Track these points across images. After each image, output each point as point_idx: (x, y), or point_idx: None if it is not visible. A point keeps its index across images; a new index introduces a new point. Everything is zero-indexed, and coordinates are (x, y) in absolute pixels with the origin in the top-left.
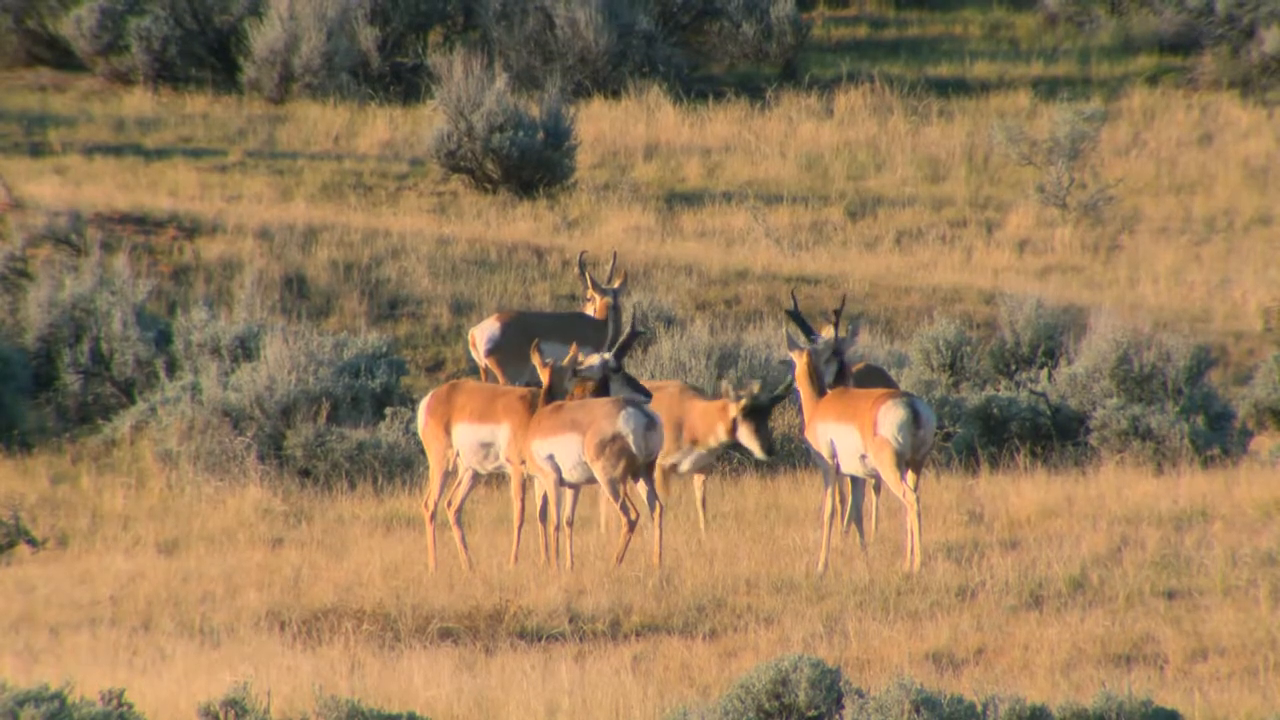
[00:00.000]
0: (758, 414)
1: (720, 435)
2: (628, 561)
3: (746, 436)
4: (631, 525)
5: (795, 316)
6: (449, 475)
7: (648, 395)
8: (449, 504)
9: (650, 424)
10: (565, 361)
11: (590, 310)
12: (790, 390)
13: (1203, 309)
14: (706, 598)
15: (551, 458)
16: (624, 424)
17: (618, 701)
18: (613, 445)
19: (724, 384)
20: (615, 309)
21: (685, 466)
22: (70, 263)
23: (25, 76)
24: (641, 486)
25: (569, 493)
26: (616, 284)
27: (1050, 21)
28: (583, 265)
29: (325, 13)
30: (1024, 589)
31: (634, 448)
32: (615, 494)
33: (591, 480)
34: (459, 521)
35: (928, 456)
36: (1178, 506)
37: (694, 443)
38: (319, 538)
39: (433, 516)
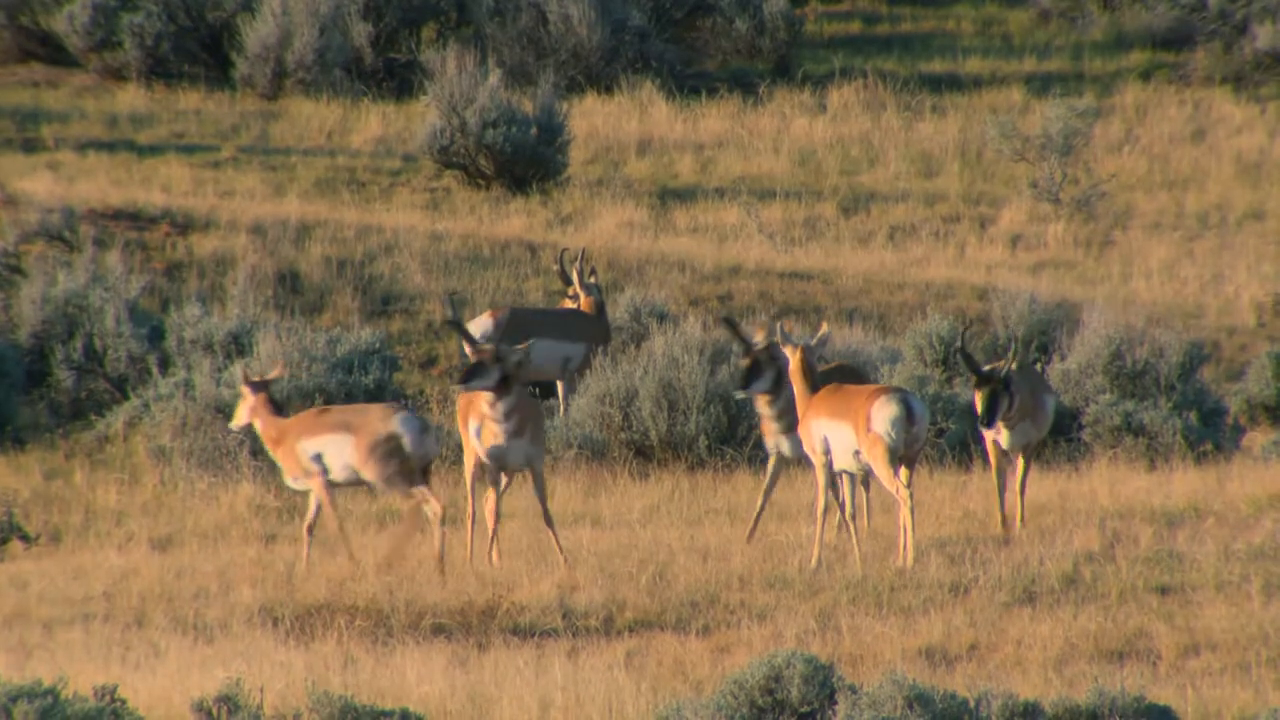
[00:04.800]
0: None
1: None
2: (620, 557)
3: None
4: (438, 516)
5: (731, 326)
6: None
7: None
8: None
9: (424, 428)
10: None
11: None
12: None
13: (1195, 304)
14: (700, 594)
15: (319, 457)
16: (399, 425)
17: (611, 697)
18: (385, 446)
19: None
20: (601, 304)
21: (1005, 442)
22: (63, 259)
23: (18, 72)
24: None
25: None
26: (591, 280)
27: (1043, 17)
28: (563, 263)
29: (318, 9)
30: (1017, 585)
31: (408, 449)
32: (399, 491)
33: (358, 482)
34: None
35: (921, 452)
36: (1170, 502)
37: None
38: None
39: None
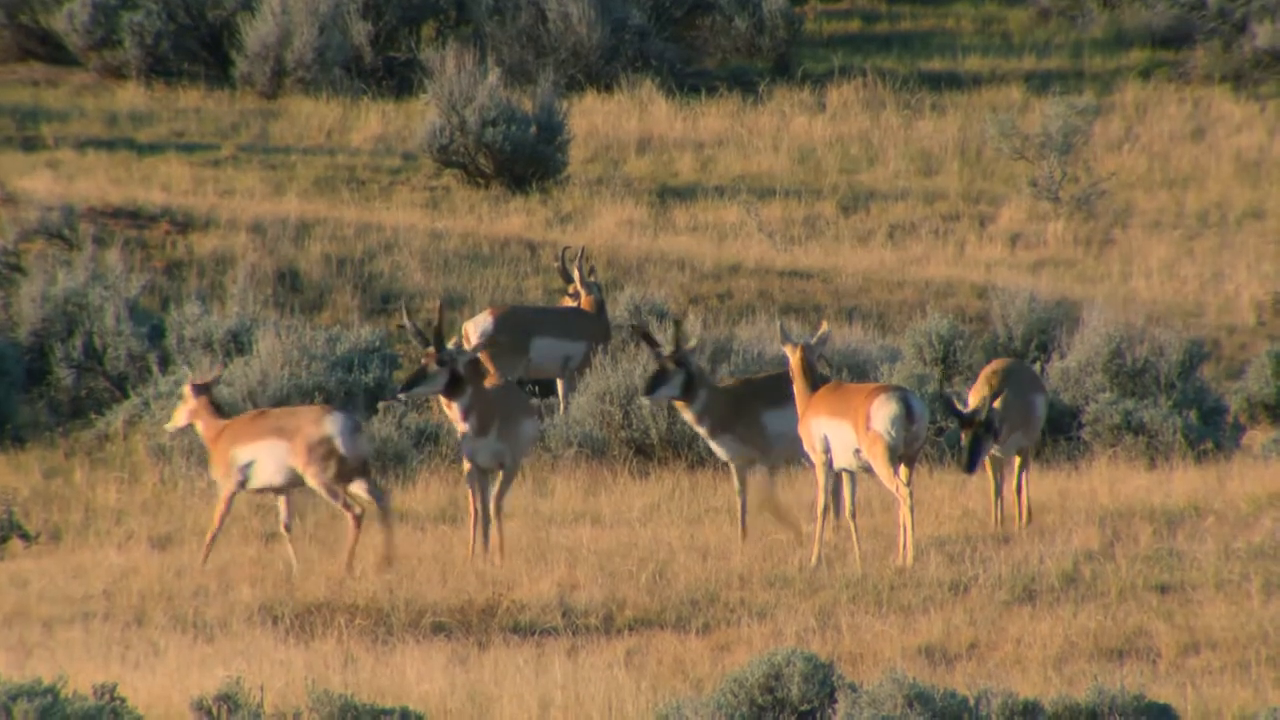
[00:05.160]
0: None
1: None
2: (620, 555)
3: None
4: (358, 520)
5: (642, 334)
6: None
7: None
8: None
9: (356, 428)
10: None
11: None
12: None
13: (1195, 303)
14: (700, 592)
15: (249, 466)
16: (330, 427)
17: (610, 696)
18: (321, 449)
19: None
20: (601, 302)
21: (999, 452)
22: (63, 257)
23: (18, 71)
24: (361, 486)
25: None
26: (591, 279)
27: (1042, 16)
28: (564, 261)
29: (317, 7)
30: (1016, 583)
31: (342, 450)
32: (334, 496)
33: (294, 486)
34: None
35: (920, 451)
36: (1170, 501)
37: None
38: (311, 532)
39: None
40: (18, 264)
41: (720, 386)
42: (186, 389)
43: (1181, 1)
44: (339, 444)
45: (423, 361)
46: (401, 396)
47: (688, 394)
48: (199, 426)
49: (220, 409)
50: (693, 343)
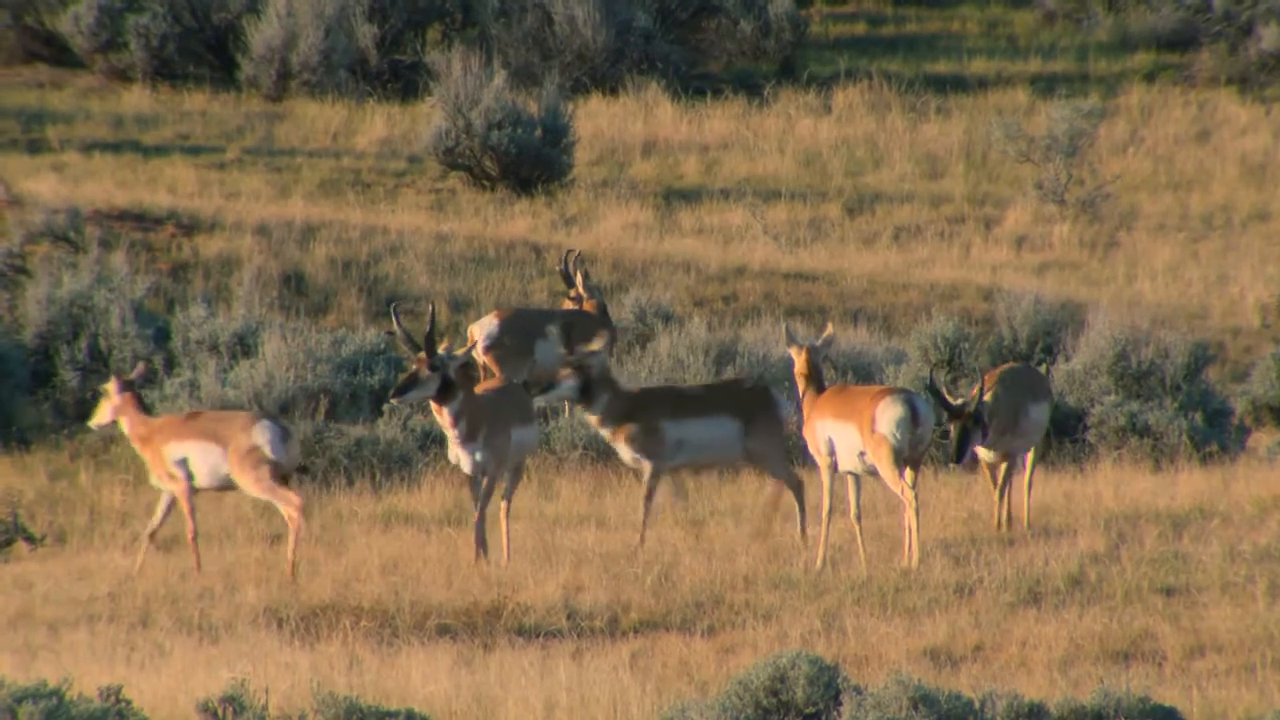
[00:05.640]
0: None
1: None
2: (625, 558)
3: None
4: (301, 510)
5: (556, 334)
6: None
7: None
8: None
9: (285, 435)
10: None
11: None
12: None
13: (1200, 305)
14: (705, 594)
15: (184, 462)
16: (259, 436)
17: (616, 698)
18: (252, 456)
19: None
20: (604, 306)
21: (986, 456)
22: (69, 260)
23: (23, 73)
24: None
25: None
26: (589, 282)
27: (1048, 18)
28: (567, 265)
29: (323, 10)
30: (1022, 586)
31: (273, 456)
32: (274, 495)
33: (227, 487)
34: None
35: (925, 453)
36: (1175, 503)
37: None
38: (317, 534)
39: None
40: (23, 266)
41: (625, 391)
42: (110, 385)
43: (1187, 4)
44: (269, 451)
45: (414, 367)
46: (394, 402)
47: (585, 398)
48: (124, 424)
49: (147, 408)
50: (594, 346)
